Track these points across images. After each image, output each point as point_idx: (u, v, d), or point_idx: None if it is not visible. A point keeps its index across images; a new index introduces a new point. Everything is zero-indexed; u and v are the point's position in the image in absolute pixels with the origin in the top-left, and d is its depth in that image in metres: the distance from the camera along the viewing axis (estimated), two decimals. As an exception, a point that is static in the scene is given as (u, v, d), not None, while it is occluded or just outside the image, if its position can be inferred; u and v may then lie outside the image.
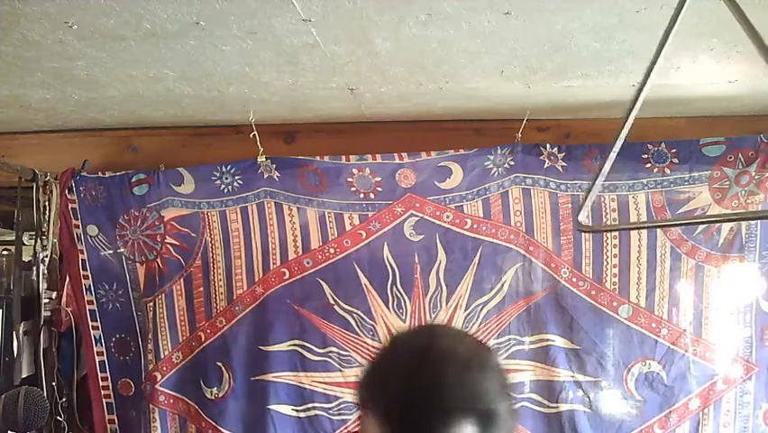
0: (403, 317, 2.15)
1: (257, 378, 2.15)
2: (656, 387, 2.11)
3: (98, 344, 2.24)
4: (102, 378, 2.24)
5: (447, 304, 2.14)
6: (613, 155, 0.90)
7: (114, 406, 2.25)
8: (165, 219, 2.20)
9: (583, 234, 2.11)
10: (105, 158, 2.30)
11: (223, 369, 2.17)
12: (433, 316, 2.15)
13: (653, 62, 0.87)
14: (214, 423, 2.16)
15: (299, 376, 2.15)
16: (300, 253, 2.17)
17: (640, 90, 0.89)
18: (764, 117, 2.16)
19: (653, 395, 2.11)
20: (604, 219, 2.13)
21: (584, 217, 0.90)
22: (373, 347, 2.15)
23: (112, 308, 2.24)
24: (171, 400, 2.22)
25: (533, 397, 2.14)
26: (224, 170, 2.18)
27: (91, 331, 2.23)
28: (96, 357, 2.23)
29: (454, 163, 2.14)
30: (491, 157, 2.13)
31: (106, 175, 2.22)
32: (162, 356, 2.20)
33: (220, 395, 2.17)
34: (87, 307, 2.23)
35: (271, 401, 2.13)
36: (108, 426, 2.24)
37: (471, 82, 1.80)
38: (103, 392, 2.24)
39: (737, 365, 2.10)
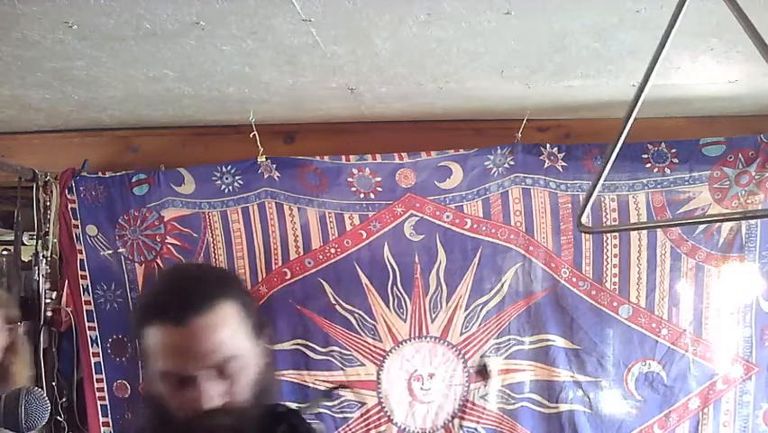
0: (403, 317, 2.15)
1: None
2: (656, 387, 2.11)
3: (95, 345, 2.23)
4: (97, 379, 2.23)
5: (447, 304, 2.14)
6: (612, 158, 0.90)
7: (108, 408, 2.24)
8: (165, 219, 2.20)
9: (584, 233, 2.11)
10: (105, 158, 2.30)
11: None
12: (433, 315, 2.15)
13: (653, 63, 0.87)
14: None
15: (302, 375, 2.15)
16: (301, 253, 2.17)
17: (640, 91, 0.89)
18: (764, 117, 2.16)
19: (653, 395, 2.11)
20: (604, 219, 2.13)
21: (585, 219, 0.90)
22: (374, 347, 2.16)
23: (110, 308, 2.24)
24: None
25: (533, 397, 2.14)
26: (224, 170, 2.18)
27: (87, 332, 2.23)
28: (92, 358, 2.23)
29: (454, 163, 2.14)
30: (491, 157, 2.13)
31: (106, 175, 2.22)
32: (164, 357, 2.20)
33: None
34: (85, 307, 2.23)
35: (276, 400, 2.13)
36: (102, 428, 2.23)
37: (471, 82, 1.80)
38: (98, 394, 2.24)
39: (737, 365, 2.10)
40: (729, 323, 2.10)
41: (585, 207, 0.90)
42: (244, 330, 0.88)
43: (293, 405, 0.99)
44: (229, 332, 0.86)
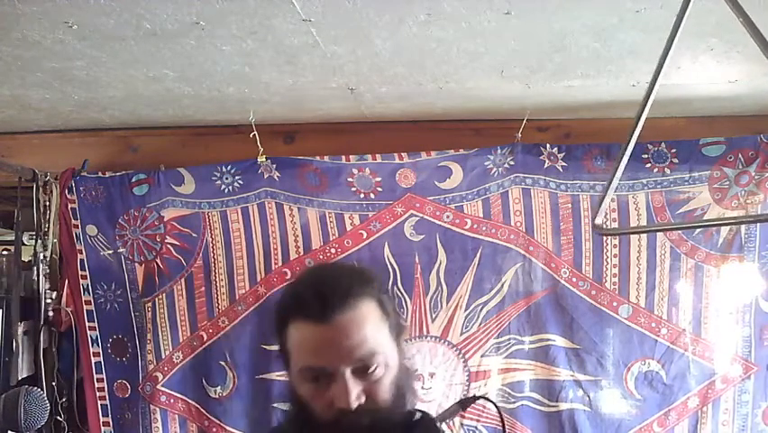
0: (403, 317, 2.15)
1: (261, 377, 2.16)
2: (656, 386, 2.11)
3: (95, 344, 2.23)
4: (98, 379, 2.23)
5: (447, 304, 2.14)
6: (625, 160, 0.90)
7: (108, 408, 2.24)
8: (165, 219, 2.20)
9: (584, 234, 2.11)
10: (105, 158, 2.30)
11: (226, 368, 2.17)
12: (433, 315, 2.15)
13: (661, 63, 0.87)
14: (218, 421, 2.17)
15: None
16: (301, 253, 2.17)
17: (649, 93, 0.89)
18: (764, 117, 2.16)
19: (653, 394, 2.11)
20: (604, 220, 2.13)
21: (601, 221, 0.90)
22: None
23: (110, 308, 2.24)
24: (172, 400, 2.22)
25: (533, 396, 2.14)
26: (224, 170, 2.18)
27: (88, 331, 2.23)
28: (93, 358, 2.23)
29: (454, 163, 2.14)
30: (491, 157, 2.13)
31: (106, 175, 2.22)
32: (163, 356, 2.20)
33: (224, 394, 2.18)
34: (85, 307, 2.23)
35: (276, 400, 2.13)
36: (103, 428, 2.23)
37: (471, 82, 1.80)
38: (98, 394, 2.24)
39: (736, 365, 2.10)
40: (728, 322, 2.10)
41: (600, 210, 0.90)
42: (385, 328, 0.88)
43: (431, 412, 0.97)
44: (371, 328, 0.85)
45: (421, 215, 2.15)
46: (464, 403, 1.02)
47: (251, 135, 2.12)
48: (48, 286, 2.24)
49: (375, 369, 0.84)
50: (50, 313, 2.23)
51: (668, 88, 1.84)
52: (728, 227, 2.08)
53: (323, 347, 0.84)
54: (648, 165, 2.10)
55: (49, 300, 2.23)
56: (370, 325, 0.85)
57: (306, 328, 0.85)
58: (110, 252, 2.22)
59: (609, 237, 2.10)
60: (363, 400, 0.83)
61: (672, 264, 2.10)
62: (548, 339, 2.13)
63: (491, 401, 1.06)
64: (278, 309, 0.92)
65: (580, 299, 2.12)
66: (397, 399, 0.87)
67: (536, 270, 2.13)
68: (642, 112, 0.89)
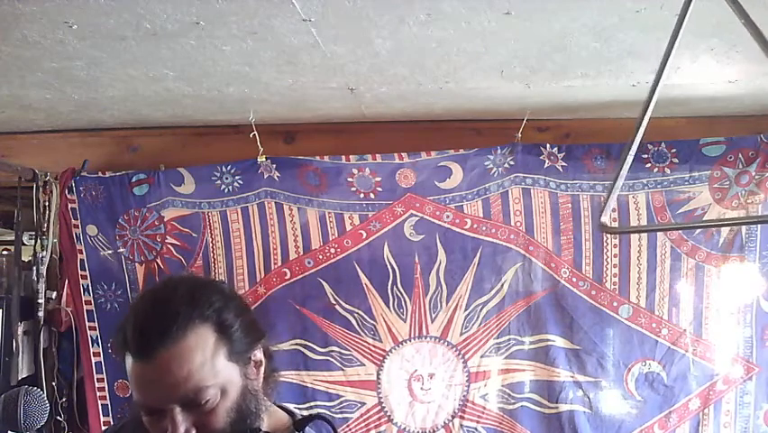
0: (403, 317, 2.15)
1: None
2: (656, 387, 2.11)
3: (95, 344, 2.23)
4: (98, 379, 2.23)
5: (447, 304, 2.14)
6: (629, 160, 0.90)
7: (109, 407, 2.24)
8: (165, 219, 2.20)
9: (584, 234, 2.11)
10: (105, 158, 2.30)
11: None
12: (433, 315, 2.15)
13: (664, 62, 0.87)
14: None
15: (301, 375, 2.15)
16: (301, 252, 2.17)
17: (653, 92, 0.89)
18: (764, 117, 2.16)
19: (654, 395, 2.11)
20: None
21: (607, 219, 0.89)
22: (374, 347, 2.16)
23: (110, 308, 2.24)
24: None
25: (533, 397, 2.14)
26: (224, 170, 2.18)
27: (88, 331, 2.23)
28: (93, 358, 2.23)
29: (454, 163, 2.14)
30: (491, 157, 2.13)
31: (106, 175, 2.22)
32: (166, 356, 2.21)
33: None
34: (85, 307, 2.23)
35: (278, 399, 2.13)
36: (103, 427, 2.23)
37: (471, 82, 1.80)
38: (98, 394, 2.24)
39: (738, 365, 2.09)
40: (729, 323, 2.10)
41: (605, 208, 0.89)
42: (221, 353, 0.84)
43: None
44: (199, 361, 0.82)
45: (421, 215, 2.15)
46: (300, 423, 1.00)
47: (251, 135, 2.12)
48: (48, 286, 2.24)
49: (206, 402, 0.82)
50: (50, 313, 2.23)
51: (668, 88, 1.83)
52: (729, 227, 2.08)
53: (148, 386, 0.82)
54: (648, 165, 2.10)
55: (49, 300, 2.24)
56: (197, 356, 0.82)
57: (133, 365, 0.83)
58: (110, 252, 2.22)
59: (610, 237, 2.10)
60: (194, 432, 0.82)
61: (672, 264, 2.10)
62: (548, 340, 2.13)
63: (326, 420, 1.00)
64: (115, 337, 0.91)
65: (580, 300, 2.11)
66: (236, 422, 0.84)
67: (536, 270, 2.12)
68: (645, 113, 0.89)
